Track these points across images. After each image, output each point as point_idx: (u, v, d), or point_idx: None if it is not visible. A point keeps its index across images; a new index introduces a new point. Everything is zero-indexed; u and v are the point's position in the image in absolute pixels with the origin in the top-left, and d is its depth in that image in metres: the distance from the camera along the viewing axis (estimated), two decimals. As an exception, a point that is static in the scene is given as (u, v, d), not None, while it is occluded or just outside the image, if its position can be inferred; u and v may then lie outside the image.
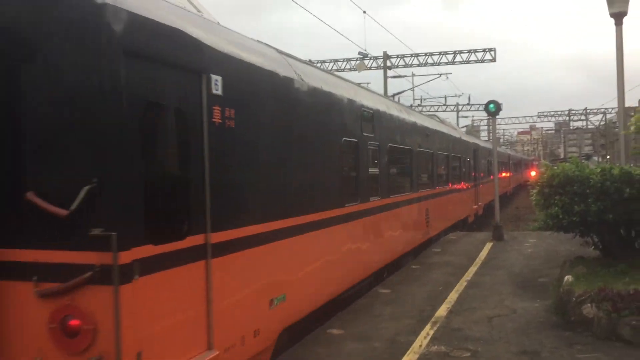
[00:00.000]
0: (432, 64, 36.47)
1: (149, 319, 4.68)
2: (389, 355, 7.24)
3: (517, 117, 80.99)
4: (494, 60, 35.93)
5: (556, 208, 10.20)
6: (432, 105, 55.81)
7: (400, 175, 13.38)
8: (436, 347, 7.47)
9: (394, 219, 12.40)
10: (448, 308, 9.42)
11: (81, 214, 4.37)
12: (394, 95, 35.10)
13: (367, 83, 32.85)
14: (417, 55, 36.28)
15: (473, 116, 68.06)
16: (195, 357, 5.22)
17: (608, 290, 8.03)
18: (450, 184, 19.50)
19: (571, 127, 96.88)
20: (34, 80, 4.56)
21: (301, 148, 7.70)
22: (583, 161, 11.38)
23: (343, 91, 9.70)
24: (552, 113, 74.28)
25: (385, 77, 34.79)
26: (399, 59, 36.23)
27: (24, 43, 4.55)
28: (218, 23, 6.75)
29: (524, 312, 9.06)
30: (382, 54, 35.26)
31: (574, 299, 8.29)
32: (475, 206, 25.55)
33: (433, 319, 8.75)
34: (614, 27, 12.78)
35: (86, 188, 4.38)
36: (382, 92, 31.09)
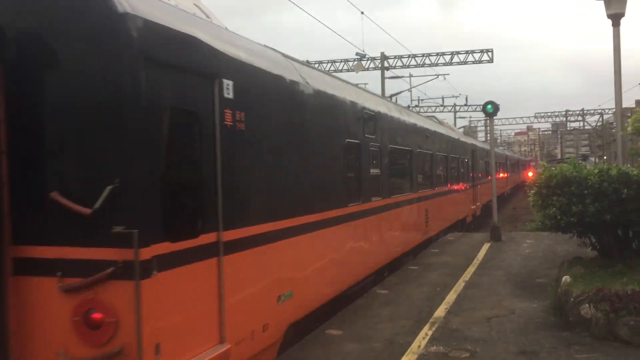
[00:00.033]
0: (430, 65, 36.54)
1: (166, 312, 4.89)
2: (387, 356, 7.25)
3: (514, 118, 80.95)
4: (491, 61, 36.02)
5: (554, 209, 10.22)
6: (429, 106, 55.91)
7: (400, 176, 13.58)
8: (435, 347, 7.49)
9: (395, 219, 12.61)
10: (446, 308, 9.44)
11: (104, 212, 4.57)
12: (391, 96, 35.17)
13: (365, 84, 32.89)
14: (414, 56, 36.33)
15: (470, 117, 68.10)
16: (208, 350, 5.43)
17: (606, 291, 8.06)
18: (448, 185, 19.66)
19: (568, 128, 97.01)
20: (58, 85, 4.74)
21: (306, 149, 7.90)
22: (580, 162, 11.42)
23: (345, 93, 9.91)
24: (549, 114, 74.41)
25: (383, 78, 34.82)
26: (396, 59, 36.28)
27: (48, 49, 4.73)
28: (226, 28, 6.96)
29: (522, 312, 9.08)
30: (379, 55, 35.29)
31: (572, 299, 8.32)
32: (474, 206, 25.64)
33: (431, 320, 8.76)
34: (611, 28, 12.83)
35: (109, 188, 4.58)
36: (379, 92, 31.09)
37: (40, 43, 4.75)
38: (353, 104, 10.04)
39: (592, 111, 73.31)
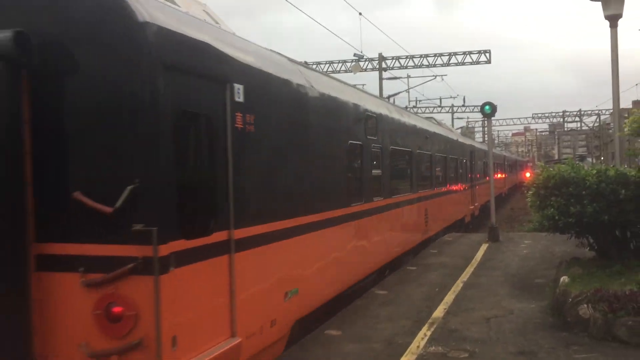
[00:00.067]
0: (428, 66, 36.60)
1: (182, 307, 5.09)
2: (387, 356, 7.26)
3: (512, 119, 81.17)
4: (489, 61, 36.13)
5: (552, 209, 10.26)
6: (427, 107, 56.01)
7: (401, 177, 13.81)
8: (434, 347, 7.50)
9: (396, 219, 12.85)
10: (445, 309, 9.46)
11: (124, 211, 4.77)
12: (389, 97, 35.22)
13: (363, 84, 32.92)
14: (412, 56, 36.40)
15: (468, 117, 68.04)
16: (220, 343, 5.64)
17: (604, 291, 8.08)
18: (447, 185, 19.84)
19: (565, 129, 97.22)
20: (79, 90, 4.95)
21: (311, 151, 8.12)
22: (577, 163, 11.46)
23: (348, 96, 10.16)
24: (547, 114, 74.58)
25: (381, 79, 34.85)
26: (394, 60, 36.36)
27: (70, 55, 4.94)
28: (234, 33, 7.15)
29: (520, 312, 9.10)
30: (377, 56, 35.33)
31: (570, 299, 8.34)
32: (472, 207, 25.74)
33: (430, 320, 8.78)
34: (608, 29, 12.88)
35: (129, 188, 4.78)
36: (377, 93, 31.11)
37: (62, 49, 4.95)
38: (355, 106, 10.27)
39: (590, 112, 73.55)
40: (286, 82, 7.51)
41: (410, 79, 42.68)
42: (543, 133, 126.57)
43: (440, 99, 57.19)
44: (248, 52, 6.80)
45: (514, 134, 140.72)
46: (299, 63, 8.68)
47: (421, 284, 11.49)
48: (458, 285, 11.34)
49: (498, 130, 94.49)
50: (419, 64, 36.43)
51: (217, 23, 7.10)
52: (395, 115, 13.44)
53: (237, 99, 6.07)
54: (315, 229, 8.10)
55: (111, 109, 4.90)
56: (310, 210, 7.96)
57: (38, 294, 4.97)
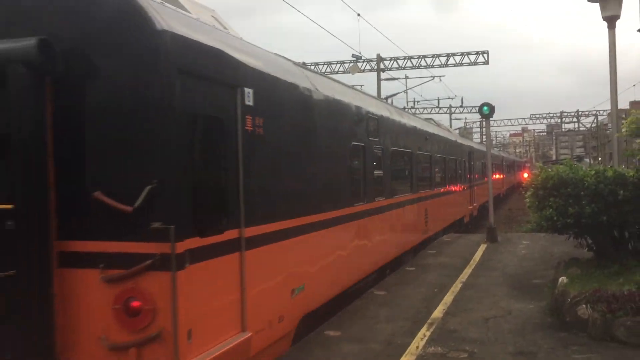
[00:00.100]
0: (426, 67, 36.62)
1: (197, 301, 5.34)
2: (386, 357, 7.26)
3: (510, 119, 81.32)
4: (486, 62, 36.14)
5: (550, 210, 10.25)
6: (425, 108, 56.09)
7: (401, 177, 14.05)
8: (433, 348, 7.51)
9: (397, 218, 13.13)
10: (444, 309, 9.47)
11: (143, 210, 5.00)
12: (387, 98, 35.22)
13: (361, 85, 32.96)
14: (410, 57, 36.41)
15: (466, 118, 68.30)
16: (232, 337, 5.92)
17: (603, 292, 8.09)
18: (447, 186, 20.03)
19: (563, 129, 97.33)
20: (100, 95, 5.19)
21: (316, 152, 8.41)
22: (575, 163, 11.47)
23: (351, 98, 10.44)
24: (544, 115, 74.66)
25: (379, 80, 34.87)
26: (392, 61, 36.37)
27: (92, 62, 5.20)
28: (241, 38, 7.39)
29: (519, 313, 9.12)
30: (375, 57, 35.35)
31: (569, 300, 8.35)
32: (471, 207, 25.82)
33: (429, 321, 8.79)
34: (606, 29, 12.90)
35: (148, 188, 5.01)
36: (375, 94, 31.14)
37: (84, 56, 5.20)
38: (358, 108, 10.51)
39: (587, 112, 73.66)
40: (292, 86, 7.77)
41: (408, 80, 42.77)
42: (541, 134, 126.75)
43: (438, 100, 57.32)
44: (256, 56, 7.06)
45: (511, 135, 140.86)
46: (303, 66, 8.92)
47: (420, 285, 11.50)
48: (457, 285, 11.35)
49: (496, 131, 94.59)
50: (417, 65, 36.46)
51: (225, 28, 7.34)
52: (396, 116, 13.66)
53: (247, 103, 6.32)
54: (320, 228, 8.35)
55: (129, 113, 5.14)
56: (316, 209, 8.21)
57: (60, 290, 5.20)
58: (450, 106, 59.82)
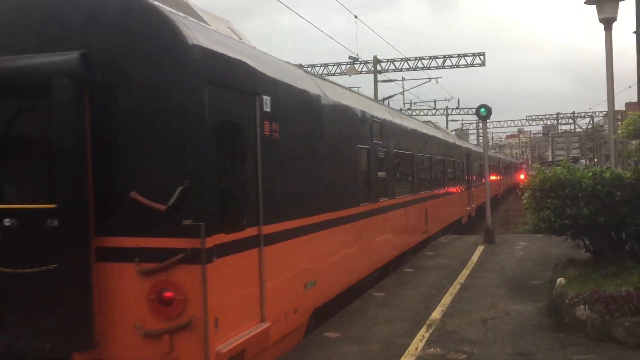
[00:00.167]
0: (422, 68, 36.67)
1: (223, 293, 5.79)
2: (385, 358, 7.29)
3: (506, 121, 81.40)
4: (483, 64, 36.18)
5: (548, 211, 10.29)
6: (422, 109, 56.11)
7: (403, 178, 14.47)
8: (432, 349, 7.54)
9: (399, 218, 13.60)
10: (442, 311, 9.49)
11: (175, 208, 5.46)
12: (384, 99, 35.24)
13: (358, 87, 33.02)
14: (407, 59, 36.47)
15: (462, 120, 68.40)
16: (253, 327, 6.42)
17: (601, 292, 8.13)
18: (446, 187, 20.30)
19: (559, 131, 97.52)
20: (134, 104, 5.67)
21: (326, 155, 8.90)
22: (571, 164, 11.52)
23: (356, 103, 10.95)
24: (540, 116, 74.84)
25: (376, 82, 34.93)
26: (389, 63, 36.42)
27: (126, 74, 5.66)
28: (255, 47, 7.88)
29: (517, 314, 9.15)
30: (372, 58, 35.38)
31: (567, 301, 8.39)
32: (469, 208, 25.94)
33: (428, 322, 8.81)
34: (602, 30, 12.94)
35: (180, 188, 5.48)
36: (372, 95, 31.18)
37: (120, 69, 5.67)
38: (363, 112, 10.96)
39: (583, 114, 73.82)
40: (303, 92, 8.27)
41: (405, 82, 42.77)
42: (537, 135, 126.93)
43: (435, 101, 57.33)
44: (271, 65, 7.54)
45: (508, 136, 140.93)
46: (312, 73, 9.43)
47: (418, 286, 11.53)
48: (455, 287, 11.38)
49: (492, 132, 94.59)
50: (413, 67, 36.52)
51: (240, 39, 7.79)
52: (398, 120, 14.17)
53: (265, 109, 6.79)
54: (329, 227, 8.85)
55: (163, 120, 5.60)
56: (325, 209, 8.70)
57: (98, 282, 5.64)
58: (447, 108, 59.94)
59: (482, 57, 36.09)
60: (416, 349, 7.56)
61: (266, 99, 6.82)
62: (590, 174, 10.37)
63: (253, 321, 6.47)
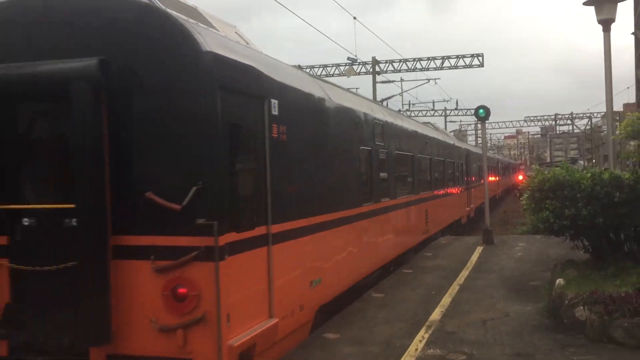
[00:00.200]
0: (421, 69, 36.67)
1: (234, 289, 5.99)
2: (385, 359, 7.29)
3: (504, 122, 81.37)
4: (481, 65, 36.17)
5: (547, 212, 10.30)
6: (420, 110, 56.13)
7: (404, 179, 14.65)
8: (432, 350, 7.54)
9: (400, 218, 13.82)
10: (442, 312, 9.50)
11: (189, 208, 5.65)
12: (382, 100, 35.25)
13: (356, 88, 33.04)
14: (405, 60, 36.47)
15: (461, 121, 68.44)
16: (262, 322, 6.63)
17: (600, 293, 8.14)
18: (445, 188, 20.43)
19: (557, 132, 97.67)
20: (149, 108, 5.87)
21: (330, 156, 9.09)
22: (570, 165, 11.53)
23: (359, 105, 11.18)
24: (539, 117, 74.92)
25: (375, 83, 34.94)
26: (387, 64, 36.42)
27: (143, 79, 5.88)
28: (261, 52, 8.05)
29: (516, 315, 9.15)
30: (371, 59, 35.39)
31: (566, 302, 8.40)
32: (468, 208, 26.02)
33: (427, 323, 8.81)
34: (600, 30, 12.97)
35: (194, 188, 5.67)
36: (371, 96, 31.18)
37: (136, 74, 5.89)
38: (365, 115, 11.16)
39: (581, 115, 73.92)
40: (309, 96, 8.47)
41: (403, 83, 42.77)
42: (535, 136, 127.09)
43: (434, 102, 57.37)
44: (278, 69, 7.73)
45: (506, 137, 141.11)
46: (317, 77, 9.63)
47: (417, 287, 11.53)
48: (454, 288, 11.39)
49: (491, 133, 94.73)
50: (412, 68, 36.51)
51: (247, 44, 8.00)
52: (399, 121, 14.40)
53: (273, 112, 6.98)
54: (334, 227, 9.07)
55: (177, 124, 5.80)
56: (330, 209, 8.92)
57: (115, 279, 5.85)
58: (446, 109, 59.97)
59: (480, 58, 36.11)
60: (416, 349, 7.56)
61: (274, 102, 7.02)
62: (589, 175, 10.38)
63: (262, 317, 6.68)
